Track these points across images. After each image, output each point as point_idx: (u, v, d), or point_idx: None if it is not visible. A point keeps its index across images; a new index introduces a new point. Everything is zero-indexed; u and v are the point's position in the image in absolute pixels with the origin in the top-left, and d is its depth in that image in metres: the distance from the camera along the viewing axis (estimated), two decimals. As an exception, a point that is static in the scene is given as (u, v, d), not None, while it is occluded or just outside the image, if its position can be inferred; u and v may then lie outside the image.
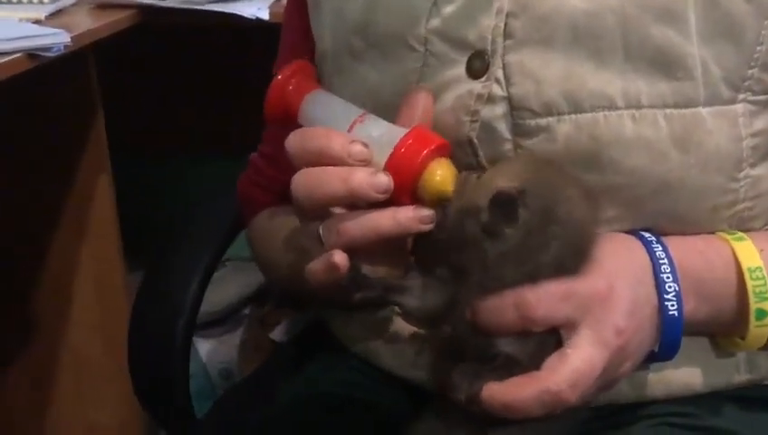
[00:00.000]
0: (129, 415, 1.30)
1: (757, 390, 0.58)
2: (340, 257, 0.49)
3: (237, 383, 0.87)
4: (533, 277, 0.47)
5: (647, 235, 0.52)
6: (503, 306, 0.47)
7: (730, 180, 0.54)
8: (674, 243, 0.52)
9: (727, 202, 0.54)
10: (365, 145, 0.50)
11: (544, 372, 0.46)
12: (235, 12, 1.20)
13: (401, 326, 0.62)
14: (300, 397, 0.66)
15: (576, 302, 0.47)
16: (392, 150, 0.50)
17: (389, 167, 0.50)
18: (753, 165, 0.54)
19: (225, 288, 1.39)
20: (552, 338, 0.48)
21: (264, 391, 0.75)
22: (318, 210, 0.52)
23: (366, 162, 0.50)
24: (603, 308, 0.47)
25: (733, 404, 0.57)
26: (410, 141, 0.50)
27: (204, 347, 1.36)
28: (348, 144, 0.50)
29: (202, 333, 1.36)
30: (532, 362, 0.47)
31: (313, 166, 0.51)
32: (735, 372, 0.57)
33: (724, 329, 0.55)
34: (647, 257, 0.51)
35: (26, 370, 1.34)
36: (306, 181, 0.51)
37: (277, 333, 1.28)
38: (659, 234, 0.53)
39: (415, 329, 0.61)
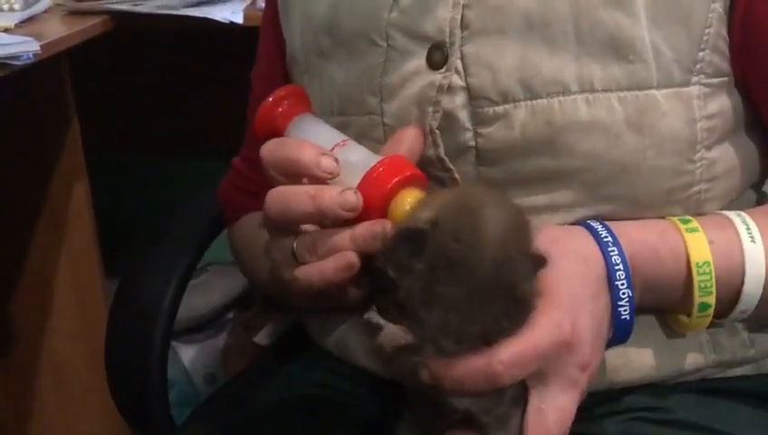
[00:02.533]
0: (112, 425, 1.29)
1: (727, 381, 0.58)
2: (353, 256, 0.49)
3: (217, 390, 0.87)
4: (466, 321, 0.44)
5: (602, 233, 0.51)
6: (470, 374, 0.44)
7: (686, 162, 0.54)
8: (626, 236, 0.51)
9: (683, 184, 0.55)
10: (335, 159, 0.50)
11: None
12: (208, 16, 1.19)
13: (375, 324, 0.62)
14: (276, 399, 0.66)
15: (543, 356, 0.45)
16: (364, 174, 0.50)
17: (360, 190, 0.49)
18: (708, 147, 0.55)
19: (208, 293, 1.38)
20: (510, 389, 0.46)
21: (242, 395, 0.75)
22: (288, 226, 0.52)
23: (333, 175, 0.50)
24: (569, 352, 0.46)
25: (703, 397, 0.57)
26: (382, 168, 0.50)
27: (187, 353, 1.36)
28: (317, 156, 0.50)
29: (185, 338, 1.36)
30: (489, 413, 0.46)
31: (283, 174, 0.51)
32: (699, 353, 0.57)
33: (668, 308, 0.55)
34: (602, 264, 0.50)
35: (6, 380, 1.32)
36: (277, 198, 0.51)
37: (261, 337, 1.28)
38: (615, 218, 0.54)
39: (389, 327, 0.61)
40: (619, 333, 0.51)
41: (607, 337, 0.50)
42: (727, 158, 0.56)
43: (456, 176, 0.56)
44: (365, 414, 0.62)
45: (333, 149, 0.52)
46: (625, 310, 0.50)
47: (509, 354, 0.44)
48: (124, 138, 1.57)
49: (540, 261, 0.46)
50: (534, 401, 0.46)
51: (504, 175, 0.55)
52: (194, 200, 0.89)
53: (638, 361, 0.56)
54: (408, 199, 0.49)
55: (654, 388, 0.57)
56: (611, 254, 0.50)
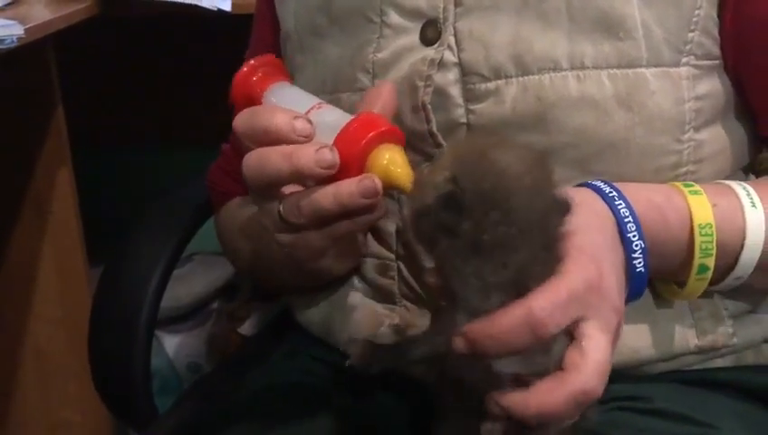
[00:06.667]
0: (94, 412, 1.29)
1: (708, 373, 0.59)
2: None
3: (200, 378, 0.86)
4: (515, 264, 0.43)
5: (606, 189, 0.51)
6: (512, 327, 0.43)
7: (674, 142, 0.55)
8: (634, 196, 0.51)
9: (671, 164, 0.55)
10: (309, 121, 0.49)
11: (570, 372, 0.44)
12: (196, 3, 1.18)
13: (359, 303, 0.62)
14: (259, 387, 0.66)
15: (578, 300, 0.44)
16: (339, 131, 0.49)
17: (336, 146, 0.49)
18: (696, 129, 0.55)
19: (192, 283, 1.38)
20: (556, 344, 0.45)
21: (225, 383, 0.75)
22: (267, 189, 0.51)
23: (309, 138, 0.49)
24: (600, 296, 0.46)
25: (685, 387, 0.58)
26: (356, 124, 0.49)
27: (171, 342, 1.35)
28: (291, 120, 0.49)
29: (169, 328, 1.35)
30: (540, 376, 0.44)
31: (260, 143, 0.50)
32: (683, 338, 0.57)
33: (666, 275, 0.55)
34: (613, 219, 0.50)
35: (-13, 366, 1.32)
36: (254, 161, 0.50)
37: (246, 328, 1.28)
38: None
39: (373, 306, 0.62)
40: (635, 287, 0.51)
41: (625, 292, 0.50)
42: (715, 140, 0.57)
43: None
44: (347, 401, 0.62)
45: (308, 112, 0.52)
46: (639, 262, 0.50)
47: (545, 299, 0.43)
48: (109, 124, 1.56)
49: (566, 204, 0.45)
50: (577, 339, 0.45)
51: None
52: (180, 188, 0.89)
53: (621, 343, 0.54)
54: (386, 155, 0.48)
55: (636, 377, 0.57)
56: (620, 207, 0.50)
